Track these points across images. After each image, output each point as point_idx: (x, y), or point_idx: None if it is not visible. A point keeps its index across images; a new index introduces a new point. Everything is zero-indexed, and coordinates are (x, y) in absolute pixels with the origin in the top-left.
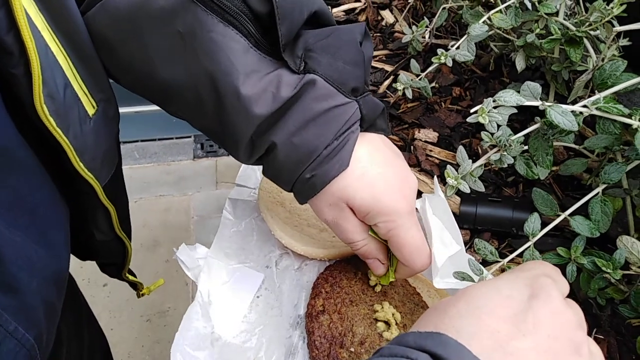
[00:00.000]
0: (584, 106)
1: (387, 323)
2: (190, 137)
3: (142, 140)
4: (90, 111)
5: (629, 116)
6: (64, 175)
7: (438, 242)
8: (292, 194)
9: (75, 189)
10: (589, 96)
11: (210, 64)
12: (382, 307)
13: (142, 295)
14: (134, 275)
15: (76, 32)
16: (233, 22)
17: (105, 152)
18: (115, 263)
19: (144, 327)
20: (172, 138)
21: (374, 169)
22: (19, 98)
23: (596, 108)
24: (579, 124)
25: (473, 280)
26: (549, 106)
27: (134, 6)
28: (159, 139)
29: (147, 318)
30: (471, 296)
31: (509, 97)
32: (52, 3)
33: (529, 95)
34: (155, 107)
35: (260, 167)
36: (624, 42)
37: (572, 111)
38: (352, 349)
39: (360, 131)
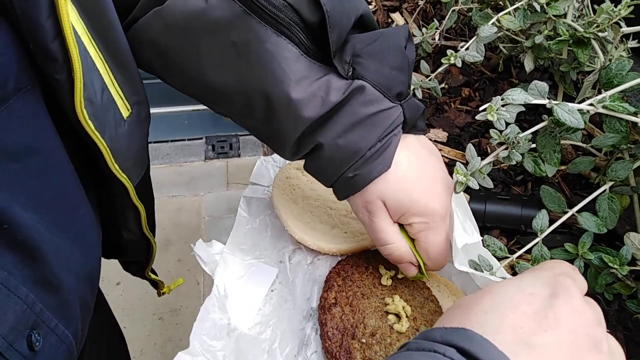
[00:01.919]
0: (591, 104)
1: (397, 315)
2: (201, 138)
3: (154, 142)
4: (125, 114)
5: (635, 114)
6: (97, 176)
7: (459, 229)
8: (305, 192)
9: (107, 189)
10: (596, 96)
11: (263, 72)
12: (393, 300)
13: (163, 294)
14: (156, 274)
15: (113, 37)
16: (286, 32)
17: (137, 153)
18: (139, 261)
19: (156, 325)
20: (184, 139)
21: (412, 172)
22: (60, 102)
23: (602, 106)
24: (585, 122)
25: (482, 271)
26: (556, 104)
27: (189, 16)
28: (171, 141)
29: (160, 316)
30: (495, 294)
31: (517, 96)
32: (93, 10)
33: (536, 94)
34: (167, 109)
35: (275, 167)
36: (632, 43)
37: (578, 109)
38: (364, 340)
39: (402, 133)
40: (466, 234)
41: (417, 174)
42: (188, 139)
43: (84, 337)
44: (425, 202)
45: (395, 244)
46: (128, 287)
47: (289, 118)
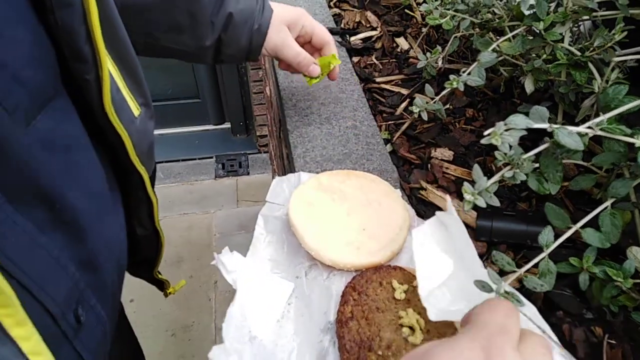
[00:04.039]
0: (589, 127)
1: (411, 328)
2: (212, 157)
3: (166, 161)
4: (136, 113)
5: (631, 136)
6: (117, 171)
7: (422, 276)
8: (320, 210)
9: (125, 184)
10: (596, 115)
11: None
12: (407, 314)
13: (169, 294)
14: (160, 274)
15: (124, 47)
16: None
17: (148, 147)
18: (148, 258)
19: (169, 342)
20: (194, 159)
21: (281, 4)
22: (88, 101)
23: (600, 129)
24: (584, 144)
25: (492, 289)
26: (557, 128)
27: None
28: (182, 160)
29: (172, 333)
30: (435, 358)
31: (519, 121)
32: (107, 23)
33: (537, 118)
34: (178, 130)
35: (290, 186)
36: (631, 62)
37: (577, 132)
38: (380, 352)
39: None
40: (428, 279)
41: (282, 5)
42: (199, 158)
43: (113, 328)
44: (294, 9)
45: (304, 52)
46: (141, 303)
47: None
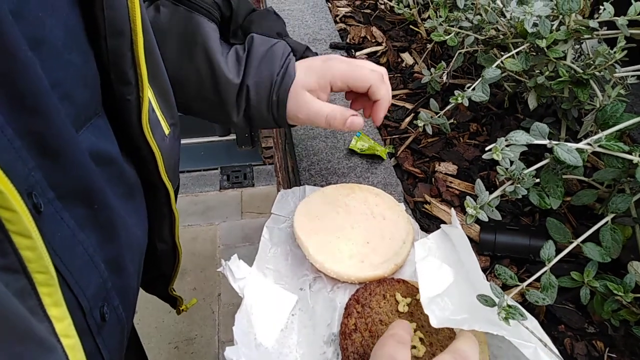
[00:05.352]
0: (588, 144)
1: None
2: (216, 169)
3: None
4: (166, 131)
5: (629, 152)
6: (144, 187)
7: (423, 285)
8: (325, 223)
9: (150, 199)
10: (596, 132)
11: (206, 49)
12: None
13: (182, 311)
14: (174, 291)
15: (159, 72)
16: (214, 21)
17: (174, 165)
18: (164, 275)
19: (172, 355)
20: (199, 170)
21: (305, 63)
22: (126, 120)
23: (599, 146)
24: (584, 160)
25: (495, 303)
26: (556, 144)
27: (182, 26)
28: (187, 171)
29: (175, 345)
30: None
31: (519, 137)
32: (147, 47)
33: (537, 135)
34: (183, 141)
35: (295, 199)
36: (632, 79)
37: (577, 148)
38: None
39: (296, 60)
40: (430, 290)
41: (309, 61)
42: (203, 170)
43: (128, 332)
44: (320, 65)
45: (332, 109)
46: (144, 315)
47: (224, 79)
